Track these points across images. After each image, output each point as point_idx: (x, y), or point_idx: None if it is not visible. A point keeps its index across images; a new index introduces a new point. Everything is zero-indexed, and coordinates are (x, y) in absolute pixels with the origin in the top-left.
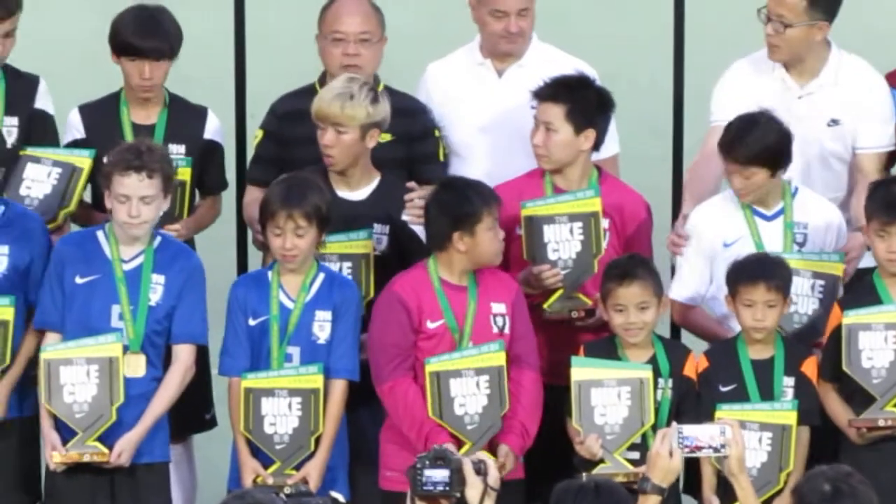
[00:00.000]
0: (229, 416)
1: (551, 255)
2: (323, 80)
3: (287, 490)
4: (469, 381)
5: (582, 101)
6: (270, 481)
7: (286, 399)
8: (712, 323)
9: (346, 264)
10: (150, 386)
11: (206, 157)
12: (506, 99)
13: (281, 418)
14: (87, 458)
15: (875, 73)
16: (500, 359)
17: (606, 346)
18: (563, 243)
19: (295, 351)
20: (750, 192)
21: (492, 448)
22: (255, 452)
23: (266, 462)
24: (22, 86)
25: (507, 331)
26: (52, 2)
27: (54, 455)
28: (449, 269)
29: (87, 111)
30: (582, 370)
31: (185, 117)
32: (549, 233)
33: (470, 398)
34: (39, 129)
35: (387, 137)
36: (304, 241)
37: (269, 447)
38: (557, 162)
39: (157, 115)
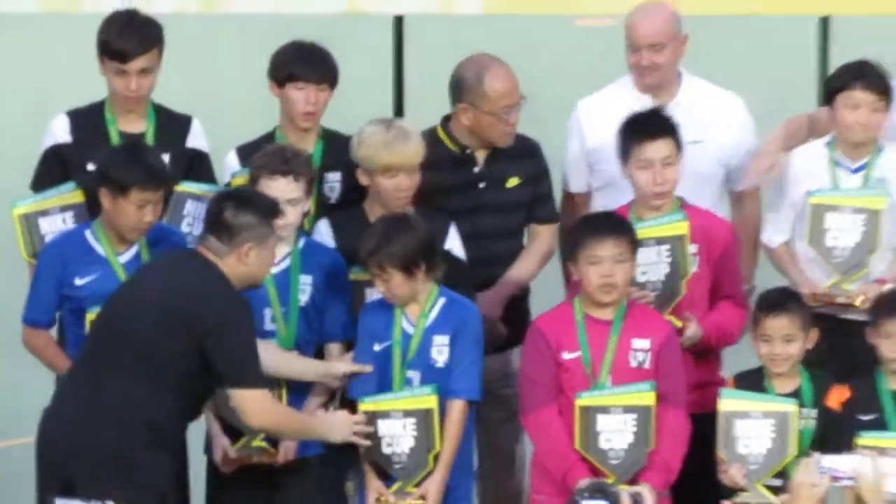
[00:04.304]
0: None
1: (640, 278)
2: (446, 126)
3: None
4: (617, 417)
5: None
6: (392, 500)
7: (401, 420)
8: (791, 265)
9: None
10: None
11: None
12: None
13: (397, 439)
14: (255, 459)
15: None
16: (649, 399)
17: (755, 375)
18: (651, 266)
19: (415, 375)
20: (873, 126)
21: (634, 481)
22: (382, 471)
23: (390, 482)
24: (173, 126)
25: (646, 366)
26: (222, 47)
27: (225, 456)
28: None
29: (244, 151)
30: (730, 401)
31: (341, 150)
32: (638, 256)
33: (616, 434)
34: (196, 168)
35: (515, 181)
36: (392, 285)
37: (389, 467)
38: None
39: (312, 145)
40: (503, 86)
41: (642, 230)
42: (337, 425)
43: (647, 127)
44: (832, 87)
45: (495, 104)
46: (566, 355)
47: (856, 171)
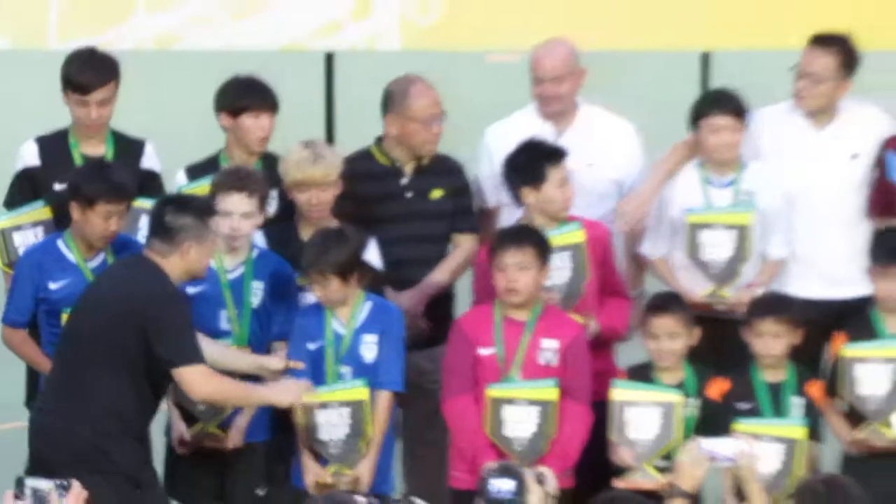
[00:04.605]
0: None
1: (546, 282)
2: (380, 144)
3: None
4: (522, 409)
5: None
6: (329, 480)
7: (337, 410)
8: (670, 275)
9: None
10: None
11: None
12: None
13: (334, 427)
14: (207, 443)
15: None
16: (552, 394)
17: (644, 368)
18: (555, 271)
19: (347, 370)
20: (734, 146)
21: (535, 465)
22: (318, 456)
23: (325, 464)
24: (130, 149)
25: (554, 364)
26: (173, 79)
27: (181, 438)
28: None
29: (192, 170)
30: (621, 391)
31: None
32: None
33: (520, 424)
34: (148, 186)
35: (439, 193)
36: (330, 291)
37: (326, 452)
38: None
39: (253, 164)
40: (426, 96)
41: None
42: (285, 390)
43: (557, 151)
44: (695, 114)
45: (418, 112)
46: (482, 351)
47: (725, 186)
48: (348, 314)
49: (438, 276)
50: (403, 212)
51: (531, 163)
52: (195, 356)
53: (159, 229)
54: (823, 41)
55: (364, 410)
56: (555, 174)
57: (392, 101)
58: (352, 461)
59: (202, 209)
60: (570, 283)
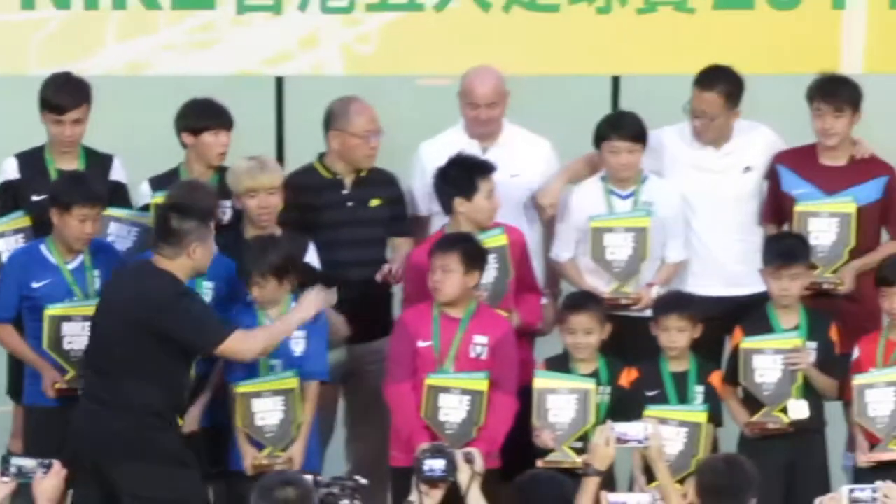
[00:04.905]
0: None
1: None
2: (322, 160)
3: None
4: (455, 397)
5: None
6: (265, 462)
7: (271, 398)
8: (577, 276)
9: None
10: (208, 368)
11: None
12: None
13: (268, 414)
14: None
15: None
16: (482, 385)
17: (562, 359)
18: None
19: (277, 363)
20: (632, 165)
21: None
22: (253, 440)
23: (260, 448)
24: (99, 163)
25: (483, 357)
26: (139, 101)
27: None
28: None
29: (154, 182)
30: (542, 380)
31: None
32: None
33: (452, 410)
34: (116, 197)
35: (377, 202)
36: (267, 291)
37: (261, 437)
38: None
39: (210, 177)
40: (365, 114)
41: None
42: (307, 304)
43: (487, 165)
44: (596, 136)
45: (359, 127)
46: (421, 343)
47: (626, 197)
48: (278, 313)
49: (396, 264)
50: (345, 219)
51: (463, 175)
52: (226, 328)
53: (167, 234)
54: (708, 81)
55: (295, 398)
56: (484, 186)
57: (334, 118)
58: (285, 444)
59: (203, 213)
60: (495, 282)
